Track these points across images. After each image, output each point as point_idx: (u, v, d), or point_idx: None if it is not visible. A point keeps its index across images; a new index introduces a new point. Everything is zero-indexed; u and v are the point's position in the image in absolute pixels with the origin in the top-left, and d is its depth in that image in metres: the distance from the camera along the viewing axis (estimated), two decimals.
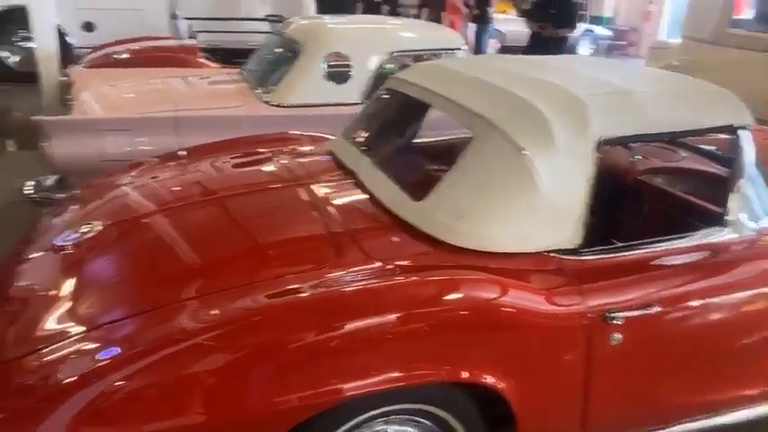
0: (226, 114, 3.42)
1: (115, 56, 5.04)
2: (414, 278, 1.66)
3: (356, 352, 1.51)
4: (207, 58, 5.20)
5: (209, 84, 4.12)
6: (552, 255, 1.74)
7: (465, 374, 1.58)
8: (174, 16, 6.67)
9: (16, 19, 7.10)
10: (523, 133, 1.80)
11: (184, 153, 2.70)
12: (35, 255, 2.05)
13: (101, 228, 2.06)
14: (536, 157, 1.75)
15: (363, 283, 1.64)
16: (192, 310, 1.58)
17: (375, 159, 2.21)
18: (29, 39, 7.13)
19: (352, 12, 7.34)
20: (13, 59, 7.35)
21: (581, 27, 10.67)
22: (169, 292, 1.66)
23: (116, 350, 1.49)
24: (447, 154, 2.13)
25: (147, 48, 5.29)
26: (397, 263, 1.71)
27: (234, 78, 4.16)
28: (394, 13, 8.27)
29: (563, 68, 2.33)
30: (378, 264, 1.70)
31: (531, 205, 1.74)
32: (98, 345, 1.51)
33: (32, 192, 3.26)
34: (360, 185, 2.16)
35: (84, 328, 1.58)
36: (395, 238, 1.86)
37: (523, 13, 6.88)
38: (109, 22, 7.00)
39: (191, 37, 6.08)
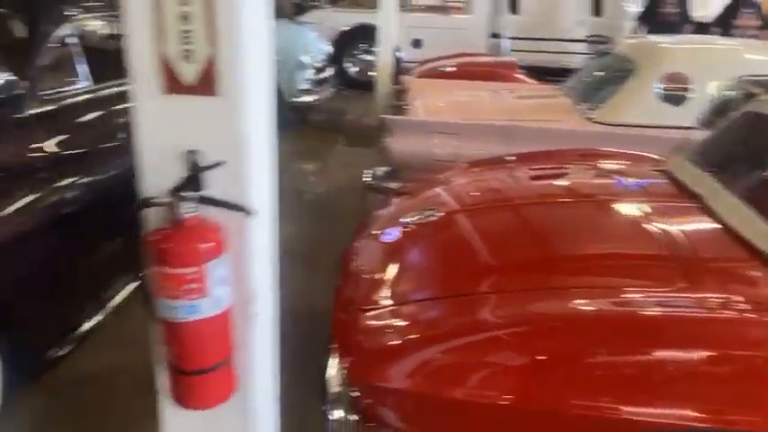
0: (551, 127, 3.49)
1: (441, 68, 5.53)
2: (753, 316, 1.50)
3: (660, 382, 1.41)
4: (524, 75, 5.38)
5: (532, 98, 4.25)
6: None
7: None
8: (495, 35, 7.06)
9: (359, 35, 8.35)
10: None
11: (513, 159, 2.83)
12: (376, 232, 2.37)
13: (424, 219, 2.27)
14: None
15: (690, 309, 1.54)
16: (493, 303, 1.67)
17: (730, 186, 2.04)
18: (368, 52, 8.31)
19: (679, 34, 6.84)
20: (354, 69, 8.62)
21: None
22: (474, 282, 1.78)
23: (425, 327, 1.66)
24: None
25: (469, 62, 5.71)
26: (747, 298, 1.56)
27: (554, 94, 4.23)
28: (726, 35, 7.44)
29: None
30: (719, 295, 1.57)
31: None
32: (409, 319, 1.71)
33: (370, 180, 3.78)
34: (706, 211, 2.01)
35: (401, 300, 1.80)
36: (750, 272, 1.69)
37: None
38: (434, 40, 7.75)
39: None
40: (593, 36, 6.37)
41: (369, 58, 8.41)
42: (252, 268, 1.25)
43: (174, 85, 1.11)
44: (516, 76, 5.30)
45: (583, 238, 2.04)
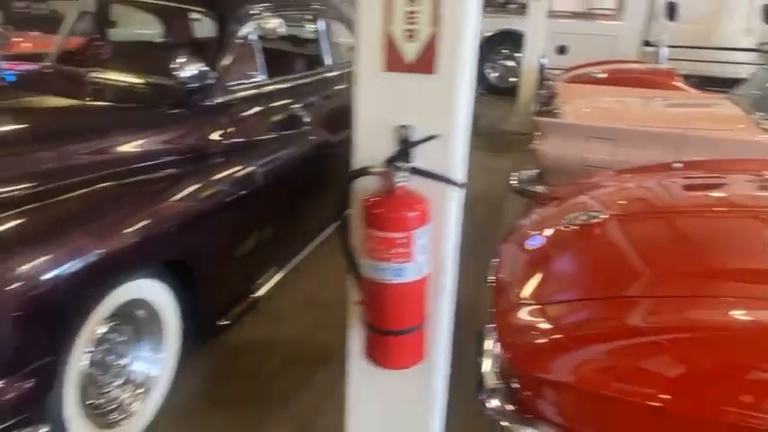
0: (723, 137, 3.27)
1: (592, 75, 5.37)
2: None
3: None
4: (683, 84, 5.09)
5: (696, 106, 4.02)
6: None
7: None
8: (648, 43, 6.72)
9: (500, 41, 8.31)
10: None
11: (680, 165, 2.69)
12: (534, 231, 2.34)
13: (587, 220, 2.21)
14: None
15: None
16: (655, 308, 1.61)
17: None
18: (509, 58, 8.25)
19: None
20: (494, 75, 8.60)
21: None
22: (637, 286, 1.73)
23: (588, 325, 1.63)
24: None
25: (622, 69, 5.49)
26: None
27: (719, 103, 3.96)
28: None
29: None
30: None
31: None
32: (572, 316, 1.68)
33: (516, 183, 3.75)
34: None
35: (565, 297, 1.79)
36: None
37: None
38: (580, 47, 7.53)
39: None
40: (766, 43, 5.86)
41: (510, 63, 8.36)
42: (446, 241, 1.31)
43: (395, 62, 1.20)
44: (675, 84, 5.02)
45: (750, 251, 1.90)
